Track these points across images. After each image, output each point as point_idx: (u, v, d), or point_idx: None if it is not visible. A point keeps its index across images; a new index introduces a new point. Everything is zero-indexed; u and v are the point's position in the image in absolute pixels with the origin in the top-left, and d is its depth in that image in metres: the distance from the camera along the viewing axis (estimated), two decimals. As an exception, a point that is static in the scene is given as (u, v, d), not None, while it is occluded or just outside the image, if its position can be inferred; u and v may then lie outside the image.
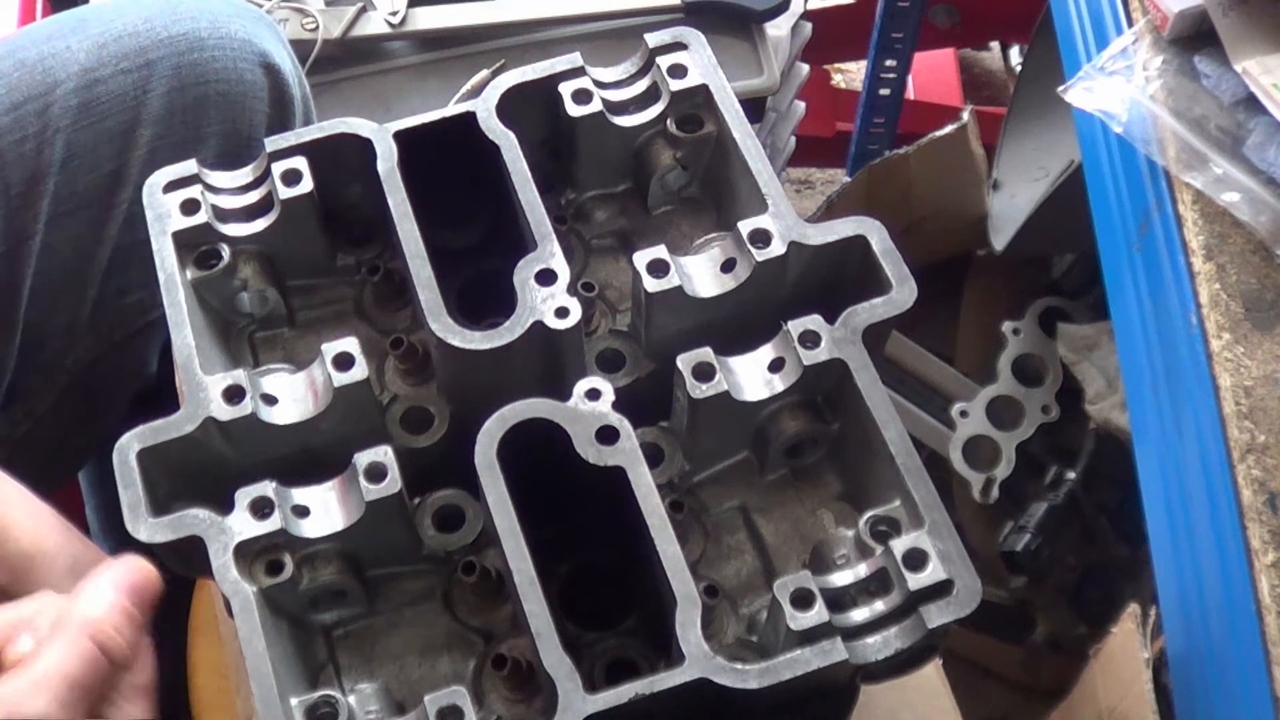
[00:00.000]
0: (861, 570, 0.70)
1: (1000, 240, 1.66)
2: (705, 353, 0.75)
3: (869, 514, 0.74)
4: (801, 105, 1.73)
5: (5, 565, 0.78)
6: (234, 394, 0.75)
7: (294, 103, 1.18)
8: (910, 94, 2.23)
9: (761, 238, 0.78)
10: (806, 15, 1.62)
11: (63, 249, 1.12)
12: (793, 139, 1.77)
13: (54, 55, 1.11)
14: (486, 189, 0.85)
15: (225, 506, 0.72)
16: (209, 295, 0.84)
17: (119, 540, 0.85)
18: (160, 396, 1.20)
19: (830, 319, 0.76)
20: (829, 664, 0.68)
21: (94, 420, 1.21)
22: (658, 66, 0.87)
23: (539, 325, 0.76)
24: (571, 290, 0.77)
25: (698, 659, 0.67)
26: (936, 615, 0.68)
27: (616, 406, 0.74)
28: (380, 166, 0.82)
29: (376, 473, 0.73)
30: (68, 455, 1.25)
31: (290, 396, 0.77)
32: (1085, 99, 1.02)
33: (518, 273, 0.78)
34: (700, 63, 0.87)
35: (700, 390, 0.74)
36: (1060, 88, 1.05)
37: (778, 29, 1.50)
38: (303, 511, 0.74)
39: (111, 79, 1.11)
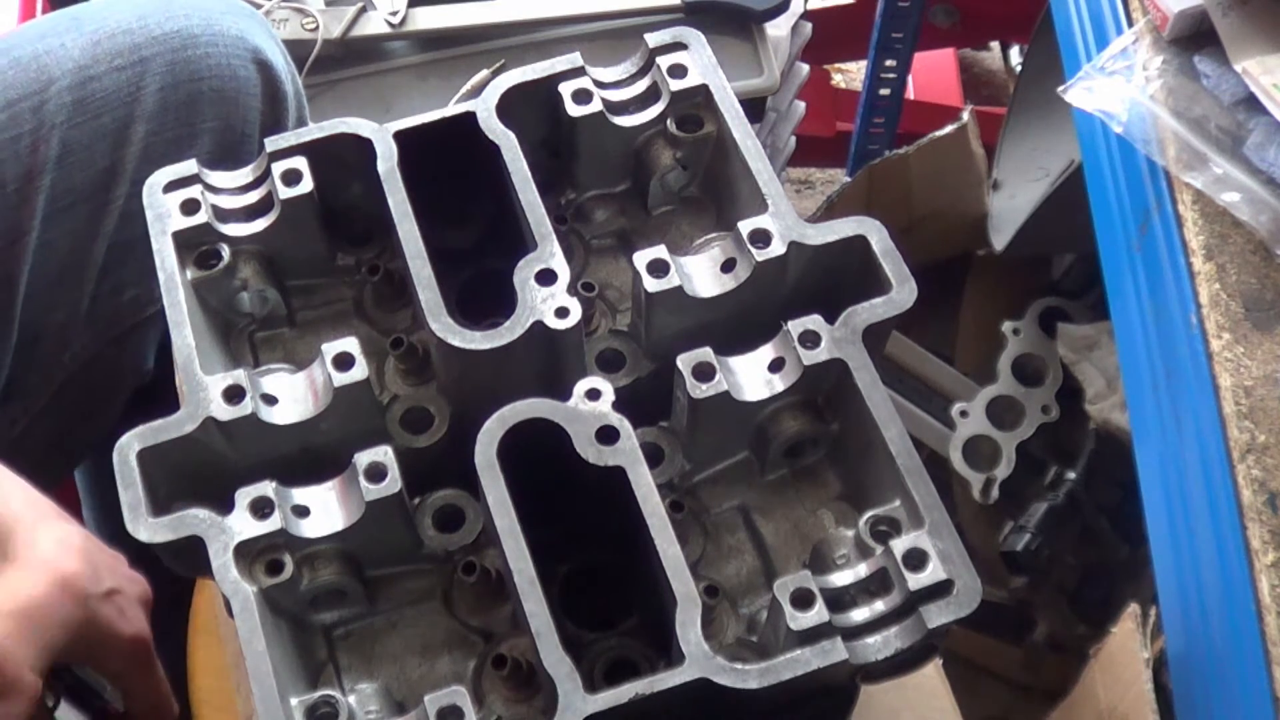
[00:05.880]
0: (861, 570, 0.70)
1: (1000, 240, 1.66)
2: (705, 353, 0.75)
3: (869, 514, 0.74)
4: (801, 105, 1.73)
5: None
6: (234, 394, 0.75)
7: (287, 98, 1.19)
8: (910, 94, 2.23)
9: (761, 238, 0.78)
10: (806, 15, 1.62)
11: (59, 245, 1.12)
12: (793, 139, 1.77)
13: (49, 53, 1.12)
14: (486, 189, 0.85)
15: (225, 506, 0.72)
16: (209, 295, 0.84)
17: (114, 542, 0.85)
18: (158, 394, 1.20)
19: (830, 319, 0.76)
20: (829, 664, 0.68)
21: (91, 418, 1.22)
22: (658, 66, 0.87)
23: (539, 325, 0.76)
24: (571, 290, 0.77)
25: (698, 659, 0.67)
26: (936, 615, 0.68)
27: (616, 406, 0.74)
28: (380, 166, 0.82)
29: (376, 473, 0.73)
30: (65, 453, 1.25)
31: (290, 396, 0.77)
32: (1085, 99, 1.02)
33: (518, 273, 0.78)
34: (700, 63, 0.87)
35: (700, 390, 0.74)
36: (1060, 88, 1.05)
37: (778, 29, 1.50)
38: (303, 511, 0.74)
39: (106, 76, 1.12)
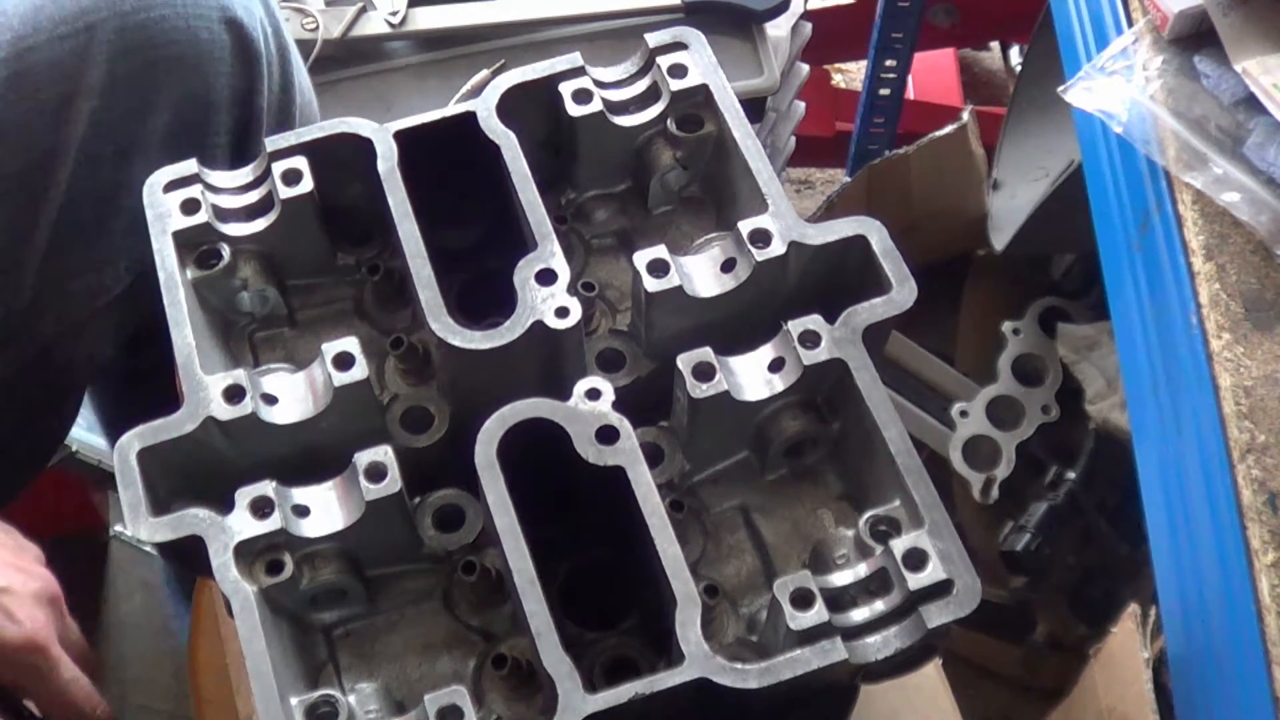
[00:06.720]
0: (861, 570, 0.70)
1: (1000, 240, 1.66)
2: (705, 353, 0.75)
3: (869, 514, 0.74)
4: (801, 105, 1.73)
5: None
6: (234, 393, 0.75)
7: (261, 60, 1.08)
8: (910, 94, 2.23)
9: (762, 237, 0.78)
10: (806, 15, 1.62)
11: None
12: (793, 139, 1.77)
13: None
14: (487, 189, 0.85)
15: (225, 506, 0.72)
16: (209, 295, 0.84)
17: None
18: (130, 379, 1.15)
19: (830, 319, 0.76)
20: (829, 664, 0.68)
21: (50, 410, 1.15)
22: (658, 66, 0.87)
23: (539, 325, 0.76)
24: (571, 290, 0.77)
25: (698, 659, 0.67)
26: (936, 615, 0.68)
27: (616, 406, 0.74)
28: (381, 166, 0.82)
29: (376, 472, 0.73)
30: (24, 444, 1.18)
31: (290, 396, 0.77)
32: (1085, 99, 1.02)
33: (518, 272, 0.78)
34: (700, 63, 0.87)
35: (700, 390, 0.74)
36: (1060, 88, 1.05)
37: (778, 29, 1.50)
38: (303, 511, 0.74)
39: (46, 46, 1.01)
